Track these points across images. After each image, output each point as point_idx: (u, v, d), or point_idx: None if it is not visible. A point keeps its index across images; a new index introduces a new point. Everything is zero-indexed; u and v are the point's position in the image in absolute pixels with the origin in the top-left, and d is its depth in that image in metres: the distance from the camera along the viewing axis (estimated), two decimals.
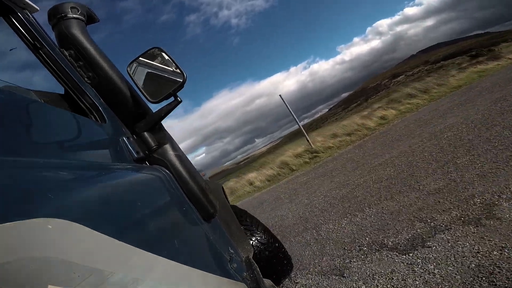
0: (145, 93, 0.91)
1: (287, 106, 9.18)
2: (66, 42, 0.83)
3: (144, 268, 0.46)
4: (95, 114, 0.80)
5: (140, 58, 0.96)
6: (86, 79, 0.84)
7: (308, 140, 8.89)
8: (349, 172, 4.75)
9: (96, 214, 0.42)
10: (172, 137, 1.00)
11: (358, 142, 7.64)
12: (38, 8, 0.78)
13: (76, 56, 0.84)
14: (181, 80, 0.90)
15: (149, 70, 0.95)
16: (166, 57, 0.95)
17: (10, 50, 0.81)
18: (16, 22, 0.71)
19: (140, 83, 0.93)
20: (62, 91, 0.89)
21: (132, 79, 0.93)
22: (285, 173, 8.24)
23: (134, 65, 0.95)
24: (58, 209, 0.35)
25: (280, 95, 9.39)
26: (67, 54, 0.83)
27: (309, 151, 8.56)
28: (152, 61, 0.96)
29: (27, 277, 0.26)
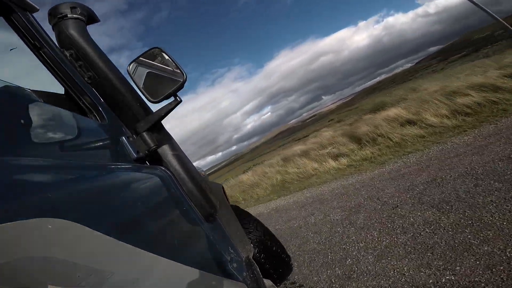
0: (145, 93, 0.91)
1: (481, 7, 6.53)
2: (66, 42, 0.83)
3: (144, 268, 0.46)
4: (95, 114, 0.80)
5: (140, 58, 0.96)
6: (86, 79, 0.84)
7: None
8: None
9: (96, 214, 0.42)
10: (172, 136, 1.00)
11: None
12: (38, 8, 0.78)
13: (76, 56, 0.84)
14: (181, 80, 0.90)
15: (149, 70, 0.95)
16: (166, 57, 0.95)
17: (10, 50, 0.81)
18: (16, 22, 0.71)
19: (140, 83, 0.93)
20: (62, 91, 0.89)
21: (132, 79, 0.93)
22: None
23: (134, 65, 0.95)
24: (58, 209, 0.35)
25: None
26: (67, 54, 0.83)
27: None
28: (152, 61, 0.96)
29: (27, 277, 0.26)
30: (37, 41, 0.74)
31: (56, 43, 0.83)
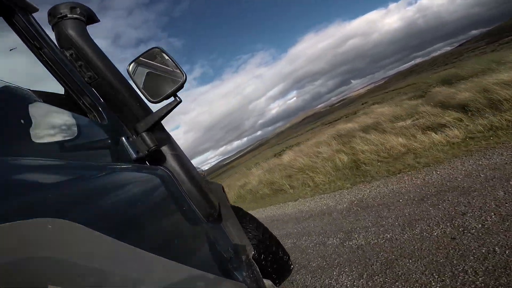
0: (145, 93, 0.91)
1: None
2: (66, 42, 0.83)
3: (144, 268, 0.46)
4: (95, 114, 0.80)
5: (140, 58, 0.96)
6: (86, 79, 0.84)
7: None
8: None
9: (96, 214, 0.42)
10: (172, 136, 1.00)
11: None
12: (38, 8, 0.78)
13: (76, 56, 0.84)
14: (181, 80, 0.90)
15: (149, 70, 0.95)
16: (166, 57, 0.95)
17: (10, 50, 0.81)
18: (16, 22, 0.71)
19: (140, 83, 0.93)
20: (62, 91, 0.89)
21: (132, 79, 0.93)
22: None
23: (134, 65, 0.95)
24: (58, 209, 0.35)
25: None
26: (67, 54, 0.83)
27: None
28: (152, 61, 0.96)
29: (27, 277, 0.26)
30: (37, 41, 0.74)
31: (56, 43, 0.83)
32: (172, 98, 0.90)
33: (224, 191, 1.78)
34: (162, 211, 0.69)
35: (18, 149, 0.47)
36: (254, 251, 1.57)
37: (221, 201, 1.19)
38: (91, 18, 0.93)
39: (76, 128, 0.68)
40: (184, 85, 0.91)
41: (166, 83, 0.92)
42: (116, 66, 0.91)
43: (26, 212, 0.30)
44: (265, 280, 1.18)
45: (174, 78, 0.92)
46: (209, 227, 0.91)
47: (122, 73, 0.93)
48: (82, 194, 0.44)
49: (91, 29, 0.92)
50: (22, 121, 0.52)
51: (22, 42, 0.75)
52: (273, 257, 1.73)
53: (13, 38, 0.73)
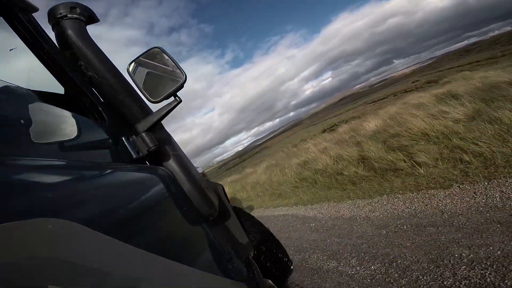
0: (145, 93, 0.91)
1: None
2: (66, 42, 0.83)
3: (144, 268, 0.46)
4: (95, 114, 0.80)
5: (140, 58, 0.96)
6: (86, 79, 0.84)
7: None
8: None
9: (96, 214, 0.42)
10: (172, 136, 1.01)
11: None
12: (38, 8, 0.78)
13: (76, 56, 0.84)
14: (181, 80, 0.90)
15: (149, 70, 0.95)
16: (166, 57, 0.95)
17: (10, 50, 0.81)
18: (16, 22, 0.71)
19: (140, 83, 0.93)
20: (62, 91, 0.89)
21: (132, 79, 0.93)
22: None
23: (134, 65, 0.95)
24: (58, 209, 0.35)
25: None
26: (67, 54, 0.83)
27: None
28: (152, 61, 0.96)
29: (27, 277, 0.26)
30: (37, 41, 0.74)
31: (56, 43, 0.83)
32: (172, 98, 0.90)
33: (224, 191, 1.78)
34: (162, 211, 0.69)
35: (18, 149, 0.47)
36: (254, 251, 1.57)
37: (221, 201, 1.19)
38: (91, 18, 0.93)
39: (76, 128, 0.68)
40: (184, 85, 0.91)
41: (166, 83, 0.92)
42: (116, 66, 0.91)
43: (26, 212, 0.30)
44: (265, 280, 1.19)
45: (174, 78, 0.92)
46: (209, 227, 0.91)
47: (122, 73, 0.93)
48: (82, 194, 0.44)
49: (91, 29, 0.92)
50: (22, 121, 0.52)
51: (22, 42, 0.75)
52: (273, 258, 1.73)
53: (13, 38, 0.73)
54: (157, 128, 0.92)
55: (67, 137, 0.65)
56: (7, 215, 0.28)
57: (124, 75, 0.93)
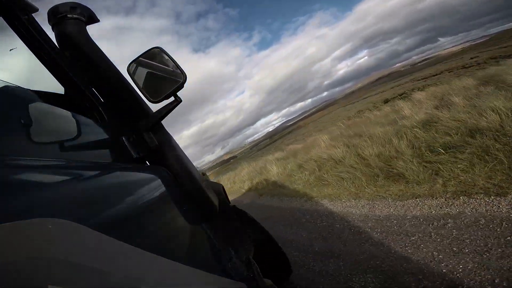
0: (145, 93, 0.91)
1: None
2: (66, 42, 0.83)
3: (144, 268, 0.46)
4: (95, 114, 0.80)
5: (140, 58, 0.96)
6: (86, 79, 0.84)
7: None
8: None
9: (96, 214, 0.42)
10: (172, 136, 1.01)
11: None
12: (38, 8, 0.78)
13: (76, 56, 0.84)
14: (181, 80, 0.90)
15: (149, 70, 0.95)
16: (166, 57, 0.95)
17: (10, 50, 0.81)
18: (16, 22, 0.71)
19: (140, 83, 0.93)
20: (62, 91, 0.89)
21: (132, 79, 0.93)
22: None
23: (134, 65, 0.95)
24: (58, 209, 0.35)
25: None
26: (67, 54, 0.83)
27: None
28: (152, 61, 0.96)
29: (27, 277, 0.26)
30: (37, 41, 0.74)
31: (56, 43, 0.83)
32: (172, 98, 0.90)
33: (224, 191, 1.78)
34: (162, 211, 0.69)
35: (18, 149, 0.47)
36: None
37: (221, 201, 1.19)
38: (91, 18, 0.93)
39: (76, 128, 0.68)
40: (184, 85, 0.91)
41: (166, 83, 0.92)
42: (116, 66, 0.91)
43: (26, 212, 0.30)
44: (265, 280, 1.18)
45: (174, 78, 0.92)
46: (209, 227, 0.91)
47: (122, 73, 0.93)
48: (82, 194, 0.44)
49: (91, 29, 0.92)
50: (22, 121, 0.52)
51: (22, 42, 0.75)
52: (270, 258, 1.74)
53: (13, 38, 0.73)
54: (157, 128, 0.92)
55: (67, 137, 0.65)
56: (7, 215, 0.28)
57: (124, 75, 0.93)
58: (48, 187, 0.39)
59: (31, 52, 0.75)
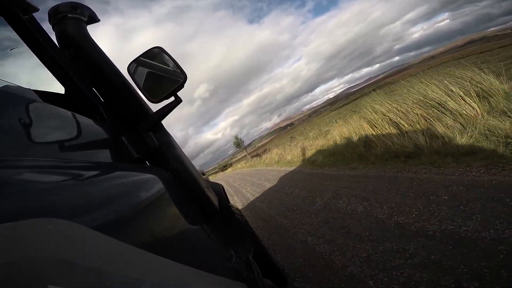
0: (145, 93, 0.91)
1: None
2: (67, 42, 0.83)
3: (144, 268, 0.46)
4: (95, 114, 0.80)
5: (140, 58, 0.95)
6: (86, 79, 0.84)
7: None
8: None
9: (96, 214, 0.42)
10: (173, 136, 1.00)
11: None
12: (38, 8, 0.78)
13: (77, 56, 0.84)
14: (181, 80, 0.90)
15: (149, 70, 0.95)
16: (166, 57, 0.95)
17: (11, 50, 0.81)
18: (16, 22, 0.71)
19: (140, 83, 0.93)
20: (62, 91, 0.89)
21: (132, 78, 0.93)
22: None
23: (134, 65, 0.95)
24: (58, 209, 0.35)
25: None
26: (67, 54, 0.83)
27: None
28: (152, 60, 0.96)
29: (27, 277, 0.26)
30: (37, 41, 0.74)
31: (56, 43, 0.83)
32: (172, 98, 0.90)
33: (224, 191, 1.78)
34: (162, 211, 0.69)
35: (18, 149, 0.47)
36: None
37: (221, 201, 1.19)
38: (92, 18, 0.93)
39: (76, 128, 0.68)
40: (184, 85, 0.91)
41: (166, 83, 0.92)
42: (116, 66, 0.91)
43: (26, 212, 0.30)
44: (265, 280, 1.19)
45: (174, 78, 0.92)
46: (209, 227, 0.91)
47: (122, 73, 0.93)
48: (82, 194, 0.44)
49: (91, 29, 0.92)
50: (22, 121, 0.52)
51: (22, 42, 0.75)
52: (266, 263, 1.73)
53: (13, 38, 0.73)
54: (157, 128, 0.92)
55: (67, 137, 0.65)
56: (7, 215, 0.28)
57: (124, 75, 0.93)
58: (48, 187, 0.39)
59: (31, 52, 0.75)
